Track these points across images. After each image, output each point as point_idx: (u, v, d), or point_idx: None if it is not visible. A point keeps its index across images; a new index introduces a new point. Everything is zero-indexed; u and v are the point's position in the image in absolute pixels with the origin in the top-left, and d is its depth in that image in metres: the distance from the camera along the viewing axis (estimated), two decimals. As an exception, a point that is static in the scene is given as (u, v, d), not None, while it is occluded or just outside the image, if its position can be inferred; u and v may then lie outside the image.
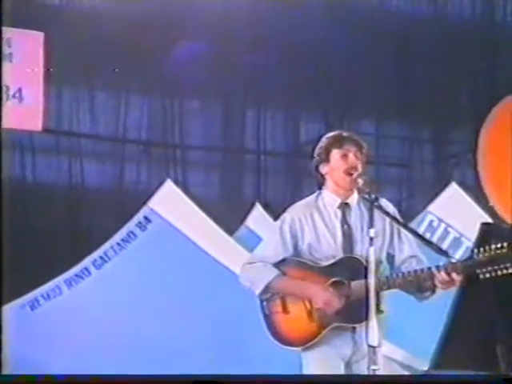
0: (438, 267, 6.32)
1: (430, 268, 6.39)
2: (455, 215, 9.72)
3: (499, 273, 6.26)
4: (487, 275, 6.29)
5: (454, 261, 6.42)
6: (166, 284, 9.03)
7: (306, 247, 6.43)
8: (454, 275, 6.27)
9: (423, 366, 8.01)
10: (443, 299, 7.24)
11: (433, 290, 6.45)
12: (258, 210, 9.55)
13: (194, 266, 9.18)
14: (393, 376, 4.61)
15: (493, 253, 6.26)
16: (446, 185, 10.08)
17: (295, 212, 6.56)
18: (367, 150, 6.58)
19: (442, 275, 6.30)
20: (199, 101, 10.28)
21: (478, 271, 6.29)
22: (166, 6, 9.69)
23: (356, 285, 6.25)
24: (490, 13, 11.07)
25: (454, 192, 9.96)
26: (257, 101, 10.33)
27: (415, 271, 6.37)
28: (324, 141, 6.58)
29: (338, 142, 6.49)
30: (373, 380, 5.01)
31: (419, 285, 6.44)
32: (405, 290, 6.49)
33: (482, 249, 6.34)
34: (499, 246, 6.28)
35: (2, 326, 5.16)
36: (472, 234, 8.36)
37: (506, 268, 6.24)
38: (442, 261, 6.46)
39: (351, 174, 6.39)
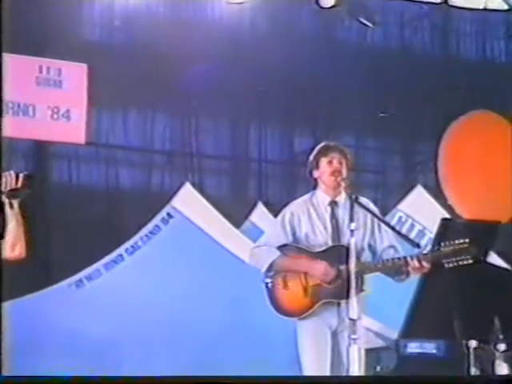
0: (411, 256, 6.46)
1: (405, 257, 6.50)
2: (420, 212, 9.97)
3: (461, 263, 6.41)
4: (451, 265, 6.45)
5: (424, 252, 6.58)
6: (184, 267, 9.09)
7: (303, 236, 6.57)
8: (424, 263, 6.36)
9: (394, 335, 8.07)
10: (413, 282, 7.48)
11: (407, 273, 6.58)
12: (260, 207, 9.75)
13: (207, 253, 9.32)
14: (393, 376, 4.47)
15: (456, 247, 6.39)
16: (412, 187, 10.37)
17: (294, 207, 6.70)
18: (350, 156, 6.75)
19: (415, 263, 6.41)
20: (211, 118, 10.35)
21: (444, 261, 6.45)
22: (181, 38, 9.72)
23: (342, 268, 6.36)
24: (445, 46, 11.25)
25: (418, 193, 10.24)
26: (259, 119, 10.46)
27: (393, 259, 6.50)
28: (314, 151, 6.75)
29: (325, 150, 6.65)
30: (373, 380, 4.54)
31: (396, 270, 6.56)
32: (384, 273, 6.60)
33: (447, 243, 6.48)
34: (462, 241, 6.44)
35: (2, 326, 4.52)
36: (433, 227, 8.83)
37: (467, 259, 6.39)
38: (414, 251, 6.58)
39: (336, 176, 6.53)
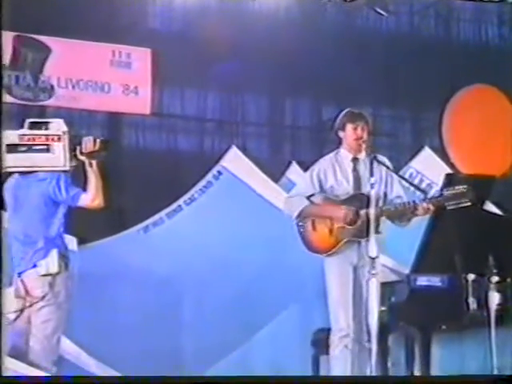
0: (420, 201, 6.35)
1: (414, 201, 6.39)
2: (427, 169, 9.81)
3: (460, 206, 6.31)
4: (452, 207, 6.34)
5: (429, 196, 6.47)
6: (232, 215, 8.99)
7: (329, 187, 6.48)
8: (430, 206, 6.29)
9: (406, 270, 7.97)
10: (422, 226, 7.45)
11: (409, 219, 6.43)
12: (294, 165, 9.55)
13: (251, 203, 9.21)
14: (393, 376, 4.25)
15: (456, 191, 6.30)
16: (420, 148, 10.19)
17: (321, 163, 6.62)
18: (370, 123, 6.59)
19: (423, 206, 6.30)
20: (253, 92, 10.40)
21: (446, 204, 6.34)
22: (228, 26, 9.81)
23: (362, 212, 6.23)
24: (448, 31, 11.24)
25: (426, 153, 10.05)
26: (292, 92, 10.45)
27: (404, 203, 6.39)
28: (342, 115, 6.59)
29: (351, 116, 6.55)
30: (374, 380, 4.34)
31: (403, 214, 6.42)
32: (391, 219, 6.47)
33: (449, 188, 6.39)
34: (461, 187, 6.33)
35: (2, 329, 4.34)
36: (439, 181, 8.70)
37: (466, 202, 6.28)
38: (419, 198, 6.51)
39: (359, 140, 6.40)
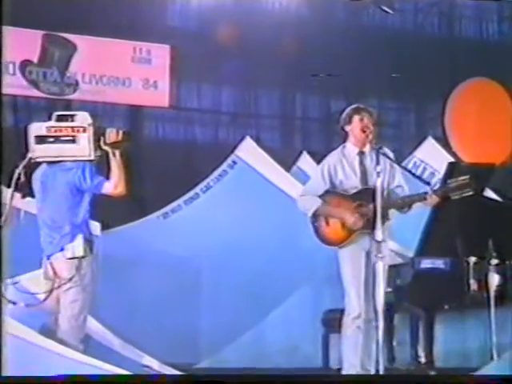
0: (426, 193, 6.17)
1: (419, 194, 6.30)
2: (431, 158, 9.67)
3: (463, 195, 6.23)
4: (456, 197, 6.26)
5: (434, 188, 6.38)
6: (246, 202, 8.90)
7: (339, 182, 6.31)
8: (434, 197, 6.22)
9: (410, 254, 7.91)
10: (426, 212, 7.36)
11: (409, 207, 6.31)
12: (305, 155, 9.48)
13: (264, 191, 9.11)
14: (393, 376, 4.10)
15: (460, 182, 6.20)
16: (424, 138, 10.02)
17: (330, 159, 6.41)
18: (375, 115, 6.50)
19: (429, 197, 6.20)
20: (266, 87, 10.46)
21: (450, 194, 6.25)
22: (241, 25, 9.86)
23: (371, 205, 6.11)
24: (450, 27, 11.27)
25: (429, 143, 9.86)
26: (303, 87, 10.49)
27: (411, 195, 6.31)
28: (348, 109, 6.48)
29: (357, 110, 6.41)
30: (374, 380, 4.21)
31: (406, 204, 6.33)
32: (395, 207, 6.32)
33: (453, 179, 6.31)
34: (464, 177, 6.23)
35: (2, 329, 4.20)
36: (441, 169, 8.64)
37: (468, 192, 6.18)
38: (421, 188, 6.46)
39: (365, 132, 6.32)
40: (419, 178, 6.69)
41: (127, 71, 9.94)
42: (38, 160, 5.57)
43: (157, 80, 9.99)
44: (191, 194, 9.21)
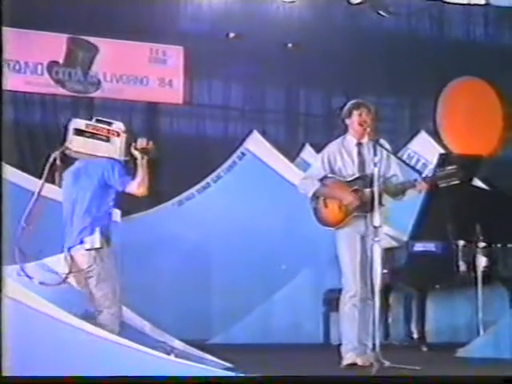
0: (416, 180, 6.00)
1: (410, 180, 6.17)
2: (423, 150, 9.60)
3: (450, 183, 6.09)
4: (444, 184, 6.12)
5: (424, 176, 6.26)
6: (254, 191, 8.87)
7: (338, 169, 6.16)
8: (423, 184, 6.09)
9: (404, 238, 7.82)
10: (419, 200, 7.33)
11: (403, 195, 6.15)
12: (307, 147, 9.38)
13: (269, 180, 9.04)
14: (393, 376, 3.93)
15: (447, 172, 6.08)
16: (417, 132, 9.91)
17: (330, 148, 6.28)
18: (373, 110, 6.37)
19: (419, 184, 6.10)
20: (271, 84, 10.39)
21: (439, 182, 6.13)
22: (247, 27, 9.84)
23: (367, 190, 6.00)
24: (441, 30, 11.12)
25: (422, 136, 9.77)
26: (306, 84, 10.44)
27: (403, 182, 6.20)
28: (349, 104, 6.34)
29: (357, 105, 6.27)
30: (374, 380, 4.22)
31: (400, 191, 6.21)
32: (390, 195, 6.14)
33: (441, 168, 6.17)
34: (451, 167, 6.11)
35: (2, 329, 3.93)
36: (433, 160, 8.45)
37: (454, 180, 6.04)
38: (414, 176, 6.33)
39: (362, 125, 6.20)
40: (412, 167, 6.55)
41: (144, 71, 9.86)
42: (74, 150, 5.51)
43: (171, 79, 9.92)
44: (203, 183, 9.15)
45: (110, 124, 5.55)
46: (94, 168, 5.52)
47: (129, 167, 5.57)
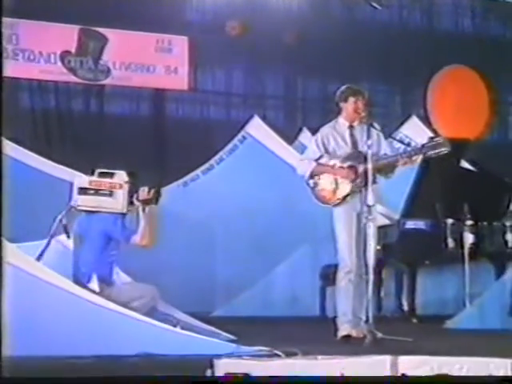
0: (404, 152, 5.87)
1: (401, 153, 6.01)
2: (414, 133, 9.35)
3: (439, 153, 5.94)
4: (433, 155, 5.96)
5: (412, 148, 6.10)
6: (254, 172, 8.78)
7: (332, 150, 6.04)
8: (414, 157, 5.93)
9: (396, 216, 7.72)
10: (408, 178, 7.27)
11: (393, 172, 5.98)
12: (305, 131, 9.23)
13: (269, 162, 8.93)
14: (393, 376, 3.90)
15: (434, 142, 5.93)
16: (408, 116, 9.76)
17: (323, 131, 6.18)
18: (367, 96, 6.25)
19: (410, 156, 5.90)
20: (272, 73, 10.41)
21: (428, 152, 5.94)
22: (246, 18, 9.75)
23: (361, 168, 5.88)
24: (431, 22, 11.07)
25: (413, 120, 9.62)
26: (303, 72, 10.42)
27: (394, 155, 5.97)
28: (345, 88, 6.21)
29: (353, 92, 6.14)
30: (374, 380, 4.09)
31: (392, 167, 6.05)
32: (380, 172, 5.96)
33: (429, 139, 6.01)
34: (438, 138, 5.95)
35: (2, 329, 3.68)
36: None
37: (443, 151, 5.89)
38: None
39: (358, 112, 6.07)
40: (402, 142, 6.39)
41: (151, 59, 9.79)
42: (79, 208, 5.57)
43: (177, 67, 9.85)
44: (207, 165, 9.08)
45: (112, 175, 5.53)
46: (98, 223, 5.49)
47: (132, 217, 5.53)
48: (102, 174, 5.57)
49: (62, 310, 4.29)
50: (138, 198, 5.47)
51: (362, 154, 5.85)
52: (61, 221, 5.49)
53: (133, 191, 5.50)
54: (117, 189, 5.48)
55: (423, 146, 5.97)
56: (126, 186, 5.48)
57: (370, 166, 5.70)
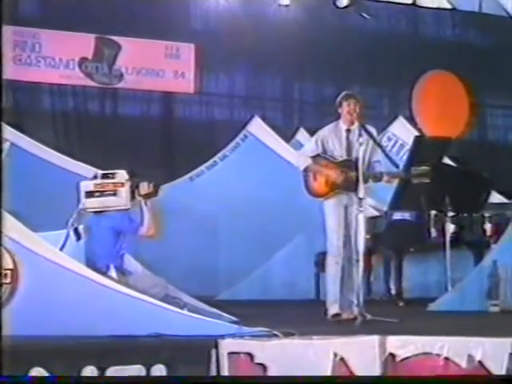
0: (390, 174, 5.79)
1: (388, 173, 5.90)
2: (401, 133, 9.47)
3: (422, 182, 5.94)
4: (416, 182, 5.94)
5: (400, 171, 6.11)
6: (255, 168, 8.77)
7: (329, 151, 6.03)
8: (400, 177, 5.97)
9: (384, 208, 7.69)
10: None
11: (380, 179, 6.01)
12: (302, 131, 9.29)
13: (268, 158, 8.91)
14: (393, 376, 3.86)
15: (421, 172, 5.92)
16: (395, 117, 9.78)
17: (323, 131, 6.16)
18: (361, 102, 6.20)
19: (395, 176, 5.97)
20: (271, 76, 10.41)
21: (413, 179, 5.96)
22: (247, 28, 9.60)
23: (352, 174, 5.78)
24: (416, 30, 11.12)
25: (400, 121, 9.64)
26: (300, 76, 10.47)
27: (384, 173, 5.92)
28: (340, 96, 6.19)
29: (346, 97, 6.12)
30: (373, 380, 3.99)
31: (379, 178, 6.02)
32: (371, 179, 5.89)
33: (416, 168, 5.97)
34: (425, 168, 5.93)
35: (2, 330, 3.60)
36: (409, 142, 8.52)
37: (427, 180, 5.89)
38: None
39: (351, 114, 6.05)
40: (390, 158, 6.24)
41: (161, 65, 9.79)
42: (87, 210, 5.58)
43: (184, 71, 9.84)
44: (211, 161, 9.07)
45: (114, 176, 5.53)
46: (107, 220, 5.49)
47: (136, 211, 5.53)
48: (104, 176, 5.58)
49: (83, 298, 4.25)
50: (139, 193, 5.47)
51: (355, 159, 5.80)
52: (72, 224, 5.50)
53: (134, 187, 5.50)
54: (119, 187, 5.48)
55: (410, 171, 6.02)
56: (128, 184, 5.48)
57: (360, 163, 5.66)
